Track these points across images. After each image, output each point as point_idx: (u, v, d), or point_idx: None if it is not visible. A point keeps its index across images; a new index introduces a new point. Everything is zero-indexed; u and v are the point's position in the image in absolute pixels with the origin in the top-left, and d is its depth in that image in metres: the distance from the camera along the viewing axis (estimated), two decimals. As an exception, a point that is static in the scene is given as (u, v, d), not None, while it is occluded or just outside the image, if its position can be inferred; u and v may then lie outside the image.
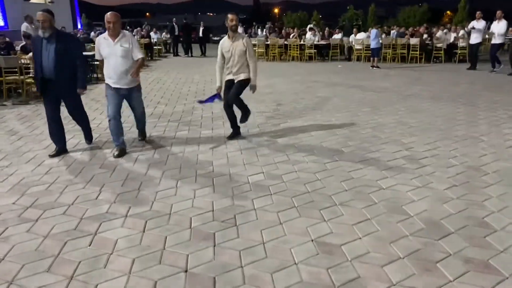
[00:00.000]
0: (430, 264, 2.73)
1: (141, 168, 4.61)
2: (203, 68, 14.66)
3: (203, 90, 9.84)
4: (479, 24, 12.60)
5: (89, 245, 3.00)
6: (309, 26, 21.08)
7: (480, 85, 10.26)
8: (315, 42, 17.36)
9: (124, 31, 4.95)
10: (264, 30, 23.75)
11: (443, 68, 13.97)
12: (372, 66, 14.14)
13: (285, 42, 17.72)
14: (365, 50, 16.05)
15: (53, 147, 5.19)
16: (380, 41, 14.60)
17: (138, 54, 4.92)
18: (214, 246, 2.98)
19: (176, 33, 20.68)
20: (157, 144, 5.52)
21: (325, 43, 17.81)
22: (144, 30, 21.06)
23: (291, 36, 18.80)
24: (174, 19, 21.68)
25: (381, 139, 5.63)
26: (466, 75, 12.27)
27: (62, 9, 25.74)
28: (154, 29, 23.08)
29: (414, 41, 15.51)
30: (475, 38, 12.82)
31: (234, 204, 3.67)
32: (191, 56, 19.84)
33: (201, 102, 5.89)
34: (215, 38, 32.32)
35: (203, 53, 20.35)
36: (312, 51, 17.10)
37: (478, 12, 12.94)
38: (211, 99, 5.67)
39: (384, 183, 4.10)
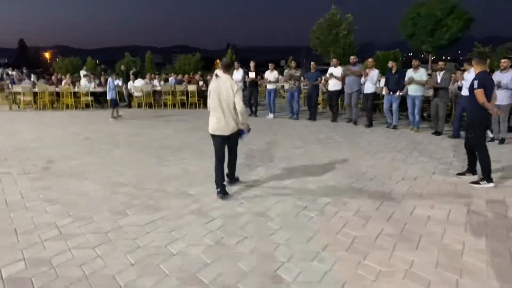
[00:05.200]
0: None
1: None
2: None
3: None
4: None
5: None
6: (82, 72, 19.74)
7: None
8: (91, 89, 16.25)
9: None
10: (32, 76, 21.05)
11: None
12: (113, 117, 12.79)
13: (57, 89, 16.04)
14: (146, 97, 15.97)
15: None
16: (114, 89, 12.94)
17: None
18: None
19: None
20: None
21: (102, 90, 16.85)
22: None
23: (63, 83, 17.15)
24: None
25: (168, 193, 5.27)
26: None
27: None
28: None
29: (191, 87, 16.15)
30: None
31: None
32: None
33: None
34: None
35: None
36: (89, 98, 15.92)
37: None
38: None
39: (174, 247, 3.70)
